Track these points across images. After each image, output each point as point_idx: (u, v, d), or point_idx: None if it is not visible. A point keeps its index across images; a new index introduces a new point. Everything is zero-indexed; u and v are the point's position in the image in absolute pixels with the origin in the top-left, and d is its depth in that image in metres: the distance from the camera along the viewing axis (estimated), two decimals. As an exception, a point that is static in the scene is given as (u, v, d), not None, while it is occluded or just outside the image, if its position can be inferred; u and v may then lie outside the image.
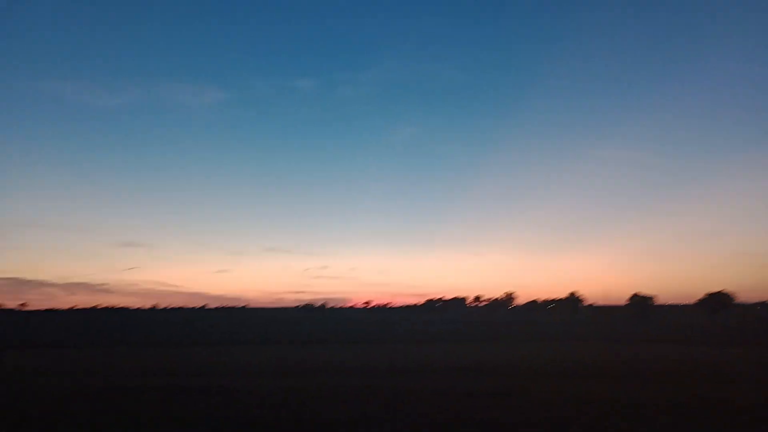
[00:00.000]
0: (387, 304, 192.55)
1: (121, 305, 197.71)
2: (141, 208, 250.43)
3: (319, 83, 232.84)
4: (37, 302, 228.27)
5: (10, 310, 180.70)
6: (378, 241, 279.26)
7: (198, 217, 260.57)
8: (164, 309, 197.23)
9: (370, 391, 13.98)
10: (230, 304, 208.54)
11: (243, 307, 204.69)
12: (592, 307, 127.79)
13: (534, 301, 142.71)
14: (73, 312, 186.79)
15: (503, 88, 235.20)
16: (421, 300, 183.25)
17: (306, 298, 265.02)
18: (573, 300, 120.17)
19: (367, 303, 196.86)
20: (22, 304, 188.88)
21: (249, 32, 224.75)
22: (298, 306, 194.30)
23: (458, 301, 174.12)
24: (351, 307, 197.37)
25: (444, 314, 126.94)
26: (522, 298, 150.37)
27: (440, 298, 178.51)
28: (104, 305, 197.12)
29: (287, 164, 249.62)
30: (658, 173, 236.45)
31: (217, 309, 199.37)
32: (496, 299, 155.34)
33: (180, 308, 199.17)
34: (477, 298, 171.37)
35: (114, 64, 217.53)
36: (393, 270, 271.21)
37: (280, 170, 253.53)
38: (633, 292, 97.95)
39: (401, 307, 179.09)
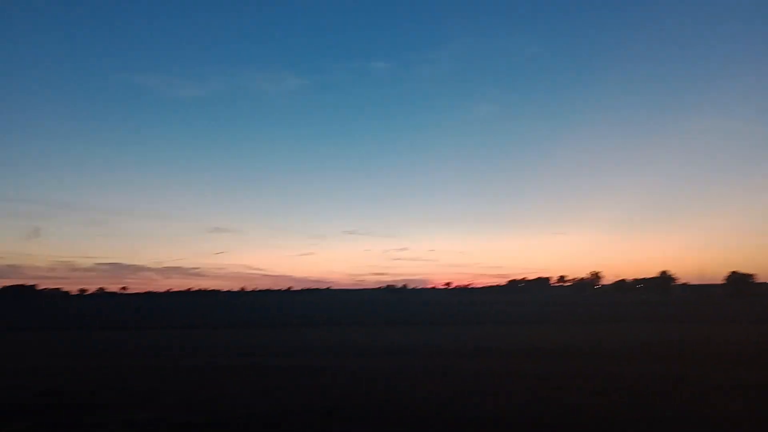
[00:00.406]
0: (468, 285, 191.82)
1: (212, 288, 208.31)
2: (228, 196, 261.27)
3: (394, 64, 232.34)
4: (137, 286, 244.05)
5: (113, 293, 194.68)
6: (457, 221, 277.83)
7: (281, 203, 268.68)
8: (252, 291, 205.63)
9: (455, 372, 14.18)
10: (314, 286, 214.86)
11: (327, 288, 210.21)
12: (685, 287, 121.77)
13: (622, 281, 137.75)
14: (169, 294, 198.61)
15: (584, 59, 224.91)
16: (503, 281, 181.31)
17: (386, 279, 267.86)
18: (665, 279, 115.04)
19: (447, 284, 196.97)
20: (123, 288, 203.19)
21: (323, 18, 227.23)
22: (379, 287, 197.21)
23: (542, 282, 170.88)
24: (431, 288, 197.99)
25: (527, 295, 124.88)
26: (609, 277, 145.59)
27: (523, 279, 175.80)
28: (197, 288, 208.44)
29: (365, 147, 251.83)
30: (755, 143, 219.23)
31: (301, 291, 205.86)
32: (582, 279, 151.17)
33: (266, 290, 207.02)
34: (561, 279, 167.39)
35: (198, 56, 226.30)
36: (473, 251, 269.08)
37: (358, 153, 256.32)
38: (730, 270, 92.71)
39: (482, 288, 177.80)
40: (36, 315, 65.29)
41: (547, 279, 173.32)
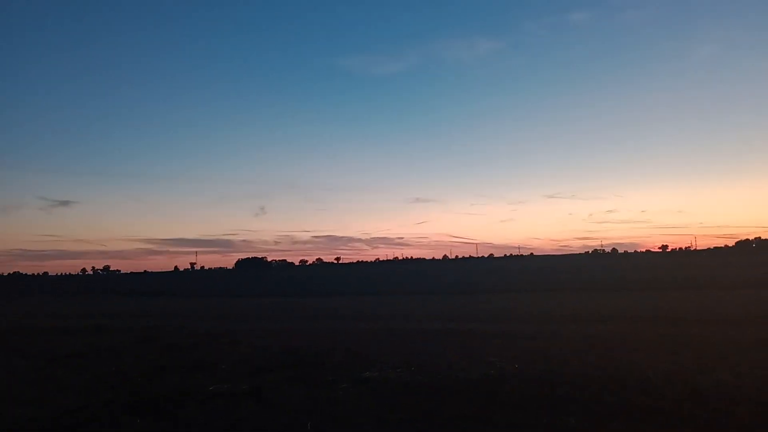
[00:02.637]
0: (687, 247, 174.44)
1: (416, 256, 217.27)
2: (428, 166, 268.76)
3: (597, 13, 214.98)
4: (348, 255, 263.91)
5: (329, 263, 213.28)
6: (672, 177, 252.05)
7: (479, 170, 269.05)
8: (454, 259, 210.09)
9: (683, 341, 13.15)
10: (515, 252, 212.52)
11: (530, 254, 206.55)
12: None
13: None
14: (377, 263, 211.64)
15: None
16: (731, 242, 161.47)
17: (592, 244, 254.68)
18: None
19: (663, 247, 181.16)
20: (337, 258, 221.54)
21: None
22: (585, 252, 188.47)
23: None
24: (644, 252, 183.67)
25: (762, 256, 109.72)
26: None
27: (756, 238, 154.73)
28: (402, 257, 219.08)
29: (565, 105, 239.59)
30: None
31: (503, 257, 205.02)
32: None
33: (468, 258, 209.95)
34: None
35: (393, 33, 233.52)
36: (692, 209, 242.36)
37: (559, 113, 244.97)
38: None
39: (705, 250, 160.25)
40: (268, 283, 74.36)
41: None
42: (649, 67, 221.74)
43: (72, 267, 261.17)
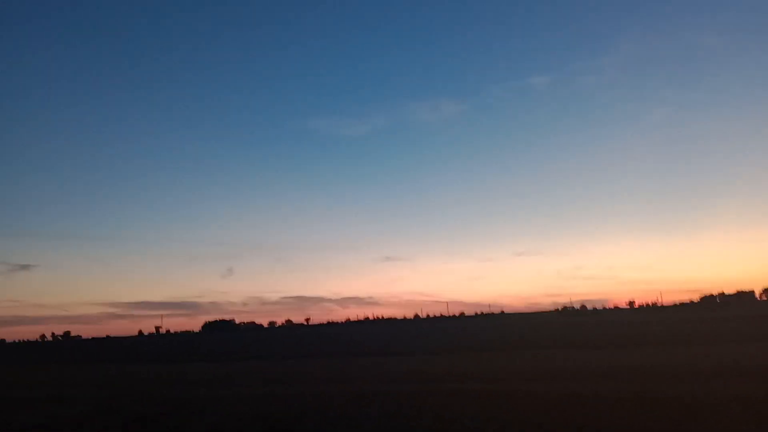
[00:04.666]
0: (654, 302, 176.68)
1: (388, 316, 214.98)
2: (397, 225, 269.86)
3: (556, 77, 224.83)
4: (318, 316, 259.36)
5: (299, 324, 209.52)
6: (637, 234, 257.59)
7: (449, 228, 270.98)
8: (426, 318, 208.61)
9: (654, 399, 13.21)
10: (486, 310, 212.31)
11: (500, 312, 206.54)
12: None
13: None
14: (348, 324, 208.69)
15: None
16: (696, 296, 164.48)
17: (562, 301, 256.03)
18: None
19: (630, 303, 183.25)
20: (307, 319, 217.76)
21: (479, 40, 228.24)
22: (556, 310, 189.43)
23: (743, 295, 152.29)
24: (613, 309, 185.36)
25: (725, 310, 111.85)
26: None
27: (720, 293, 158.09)
28: (373, 316, 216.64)
29: (530, 164, 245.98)
30: None
31: (475, 315, 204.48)
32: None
33: (440, 316, 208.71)
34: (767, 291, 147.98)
35: (360, 97, 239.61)
36: (657, 265, 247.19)
37: (523, 173, 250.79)
38: None
39: (672, 306, 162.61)
40: (236, 345, 72.43)
41: (750, 292, 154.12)
42: (609, 128, 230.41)
43: (31, 333, 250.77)
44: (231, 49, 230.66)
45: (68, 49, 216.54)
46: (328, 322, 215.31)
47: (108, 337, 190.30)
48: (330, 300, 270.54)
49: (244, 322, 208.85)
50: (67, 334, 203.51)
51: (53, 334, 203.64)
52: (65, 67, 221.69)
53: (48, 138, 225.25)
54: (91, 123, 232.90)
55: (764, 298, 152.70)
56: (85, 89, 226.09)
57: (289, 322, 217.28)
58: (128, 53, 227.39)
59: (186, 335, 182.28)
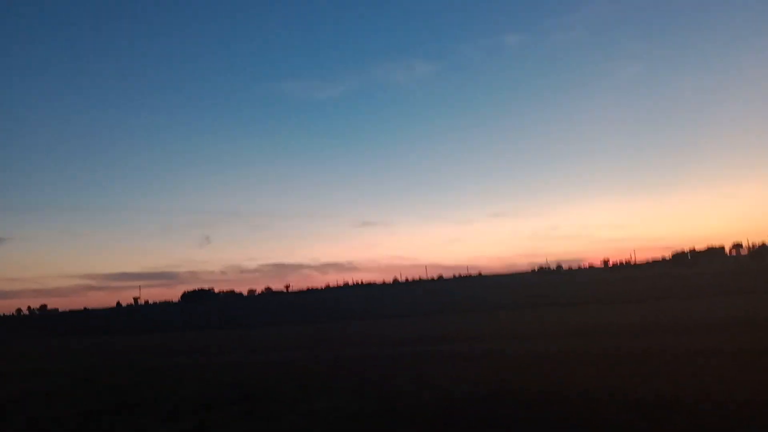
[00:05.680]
0: (628, 260, 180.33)
1: (367, 281, 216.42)
2: (374, 190, 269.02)
3: (528, 36, 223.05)
4: (298, 283, 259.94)
5: (279, 291, 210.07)
6: (611, 194, 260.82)
7: (425, 191, 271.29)
8: (404, 282, 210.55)
9: (622, 354, 13.56)
10: (464, 272, 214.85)
11: (478, 274, 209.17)
12: None
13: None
14: (328, 290, 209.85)
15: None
16: (668, 253, 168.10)
17: (538, 261, 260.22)
18: None
19: (605, 261, 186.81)
20: (287, 286, 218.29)
21: None
22: (532, 270, 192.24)
23: (714, 252, 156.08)
24: (588, 268, 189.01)
25: (697, 267, 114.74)
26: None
27: (691, 249, 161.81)
28: (352, 282, 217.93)
29: (503, 125, 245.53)
30: None
31: (453, 278, 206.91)
32: (763, 245, 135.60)
33: (418, 280, 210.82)
34: (737, 246, 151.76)
35: (331, 59, 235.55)
36: (630, 223, 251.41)
37: (497, 133, 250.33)
38: None
39: (645, 263, 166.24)
40: (215, 314, 72.50)
41: (720, 248, 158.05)
42: (581, 86, 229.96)
43: (6, 307, 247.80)
44: (198, 14, 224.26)
45: (31, 18, 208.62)
46: (308, 289, 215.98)
47: (85, 309, 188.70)
48: (309, 266, 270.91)
49: (223, 291, 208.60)
50: (43, 307, 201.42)
51: (29, 307, 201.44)
52: (34, 37, 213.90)
53: (18, 110, 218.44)
54: (62, 93, 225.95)
55: (734, 253, 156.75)
56: (52, 59, 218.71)
57: (268, 289, 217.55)
58: (92, 19, 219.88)
59: (165, 305, 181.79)
